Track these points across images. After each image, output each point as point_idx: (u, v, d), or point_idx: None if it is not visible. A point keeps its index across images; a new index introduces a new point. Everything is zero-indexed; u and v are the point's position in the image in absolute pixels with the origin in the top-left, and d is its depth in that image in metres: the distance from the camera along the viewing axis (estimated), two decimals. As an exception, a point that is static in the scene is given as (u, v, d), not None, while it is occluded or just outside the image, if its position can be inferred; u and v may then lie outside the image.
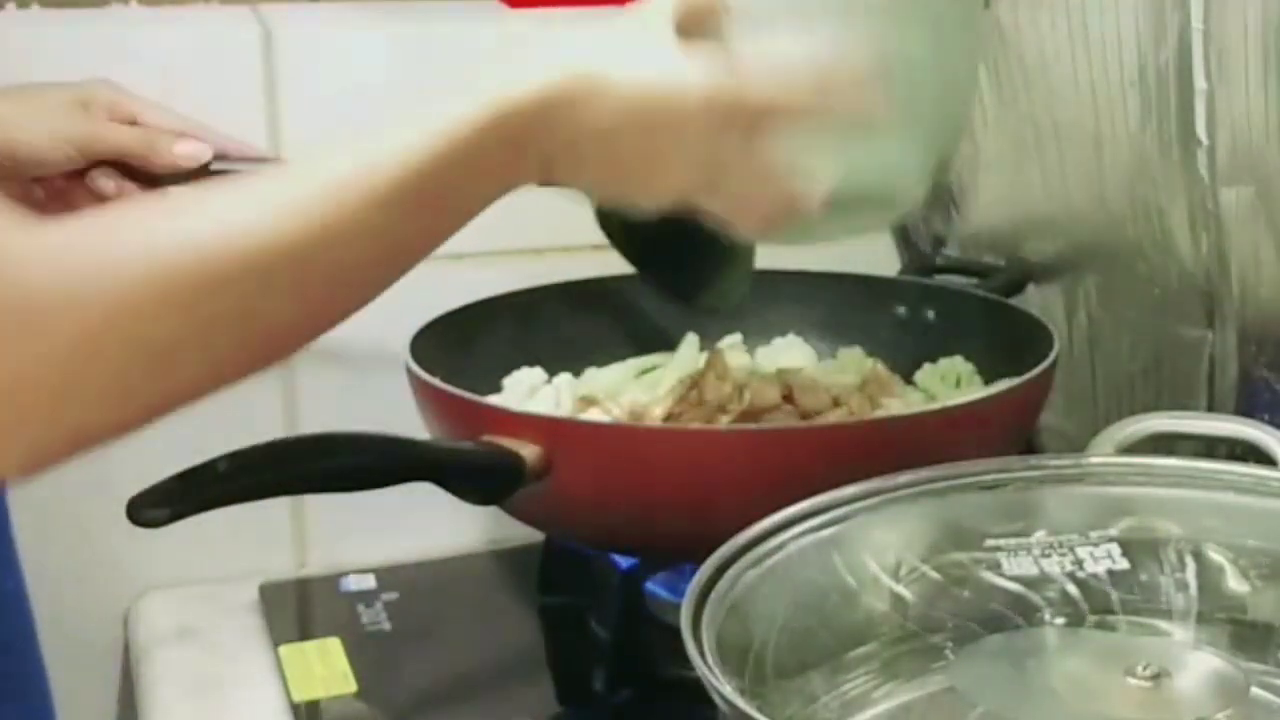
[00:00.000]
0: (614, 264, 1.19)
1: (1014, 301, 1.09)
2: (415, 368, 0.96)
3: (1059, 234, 1.09)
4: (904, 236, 1.24)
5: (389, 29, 1.14)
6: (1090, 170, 1.03)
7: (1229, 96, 0.92)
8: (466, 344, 1.04)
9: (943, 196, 1.17)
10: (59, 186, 0.90)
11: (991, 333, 1.07)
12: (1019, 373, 0.97)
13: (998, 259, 1.15)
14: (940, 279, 1.16)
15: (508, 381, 1.06)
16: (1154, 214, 1.00)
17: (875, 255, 1.23)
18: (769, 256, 1.19)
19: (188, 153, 0.90)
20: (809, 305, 1.14)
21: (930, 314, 1.12)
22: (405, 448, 0.85)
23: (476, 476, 0.88)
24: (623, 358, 1.10)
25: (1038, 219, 1.10)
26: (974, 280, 1.13)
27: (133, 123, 0.91)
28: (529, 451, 0.87)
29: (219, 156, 0.92)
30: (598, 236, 1.20)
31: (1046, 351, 0.97)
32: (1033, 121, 1.07)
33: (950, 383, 1.07)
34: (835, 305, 1.14)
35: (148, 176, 0.91)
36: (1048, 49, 1.04)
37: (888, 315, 1.13)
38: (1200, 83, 0.94)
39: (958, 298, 1.12)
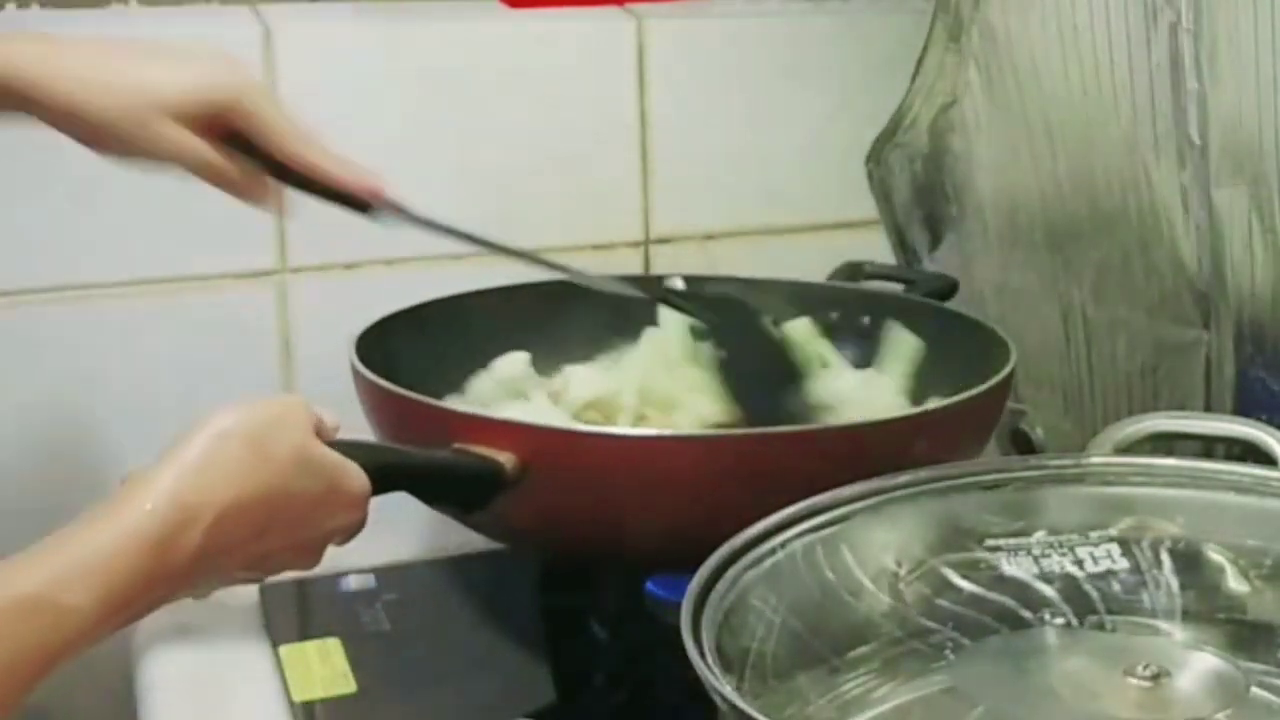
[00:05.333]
0: (620, 263, 1.20)
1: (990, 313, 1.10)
2: (367, 373, 0.95)
3: (1053, 233, 1.09)
4: (900, 239, 1.24)
5: (389, 29, 1.15)
6: (1083, 171, 1.03)
7: (1220, 97, 0.92)
8: (404, 348, 1.03)
9: (937, 198, 1.17)
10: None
11: (926, 333, 1.08)
12: (958, 371, 0.97)
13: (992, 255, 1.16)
14: (868, 284, 1.16)
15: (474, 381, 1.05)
16: (1148, 215, 1.00)
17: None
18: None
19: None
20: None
21: (865, 319, 1.12)
22: (379, 455, 0.83)
23: (454, 486, 0.87)
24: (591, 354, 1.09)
25: (1032, 219, 1.10)
26: (902, 287, 1.14)
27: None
28: (505, 459, 0.86)
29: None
30: (598, 236, 1.20)
31: (1005, 355, 0.98)
32: (1025, 123, 1.07)
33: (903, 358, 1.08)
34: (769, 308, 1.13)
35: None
36: (1038, 50, 1.04)
37: (820, 321, 1.13)
38: (1191, 83, 0.94)
39: (888, 301, 1.12)
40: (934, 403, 1.00)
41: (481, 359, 1.07)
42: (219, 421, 0.70)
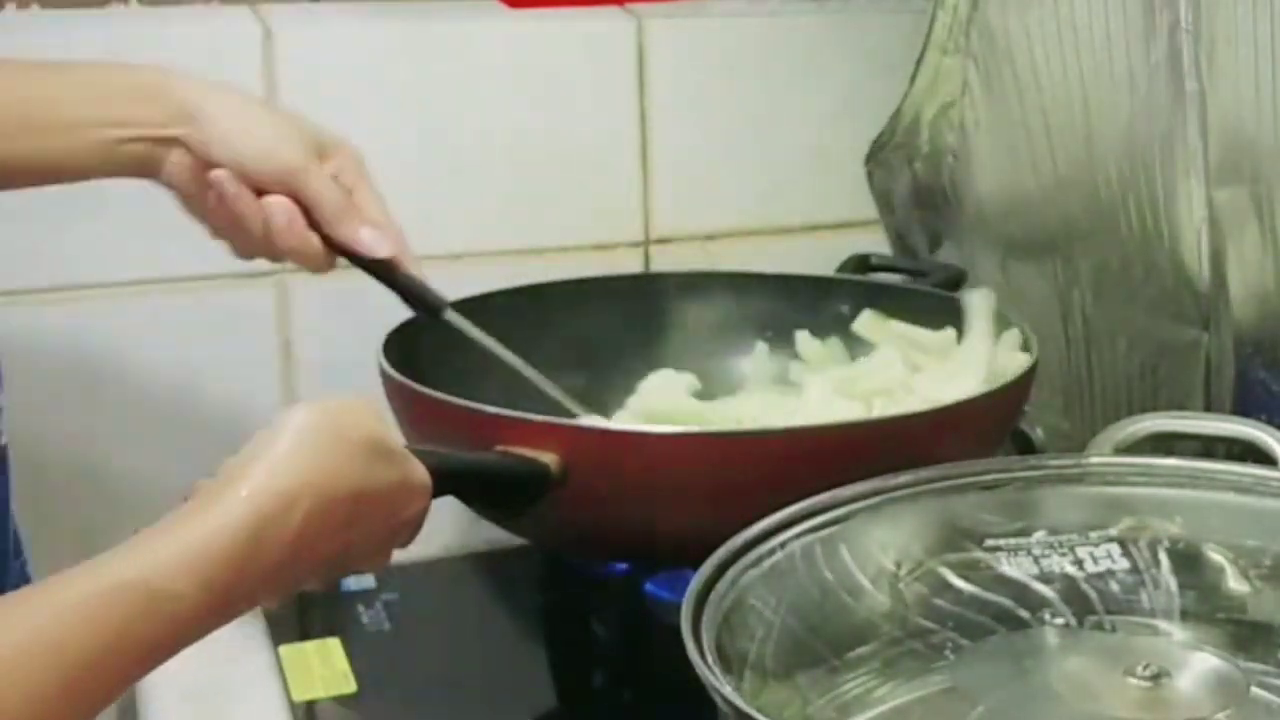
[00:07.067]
0: (620, 263, 1.20)
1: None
2: (400, 377, 0.95)
3: (1053, 234, 1.09)
4: (900, 239, 1.24)
5: (389, 29, 1.15)
6: (1083, 171, 1.03)
7: (1220, 97, 0.92)
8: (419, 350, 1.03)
9: (937, 198, 1.17)
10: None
11: (932, 326, 1.08)
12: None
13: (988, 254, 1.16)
14: (876, 276, 1.16)
15: None
16: (1148, 215, 1.00)
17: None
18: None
19: (369, 241, 0.94)
20: (749, 305, 1.13)
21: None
22: (429, 459, 0.81)
23: (502, 488, 0.87)
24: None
25: (1031, 219, 1.10)
26: (909, 278, 1.14)
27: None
28: (550, 459, 0.86)
29: (394, 261, 0.96)
30: (598, 236, 1.20)
31: (1027, 349, 0.98)
32: (1024, 123, 1.07)
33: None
34: (776, 305, 1.13)
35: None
36: (1037, 50, 1.04)
37: (829, 313, 1.13)
38: (1191, 83, 0.94)
39: (899, 293, 1.12)
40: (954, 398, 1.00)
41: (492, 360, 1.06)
42: (300, 416, 0.71)
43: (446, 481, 0.79)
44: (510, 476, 0.86)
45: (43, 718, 0.59)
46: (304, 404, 0.73)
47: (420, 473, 0.76)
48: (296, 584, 0.72)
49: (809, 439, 0.90)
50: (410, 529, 0.77)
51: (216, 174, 0.91)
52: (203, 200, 0.92)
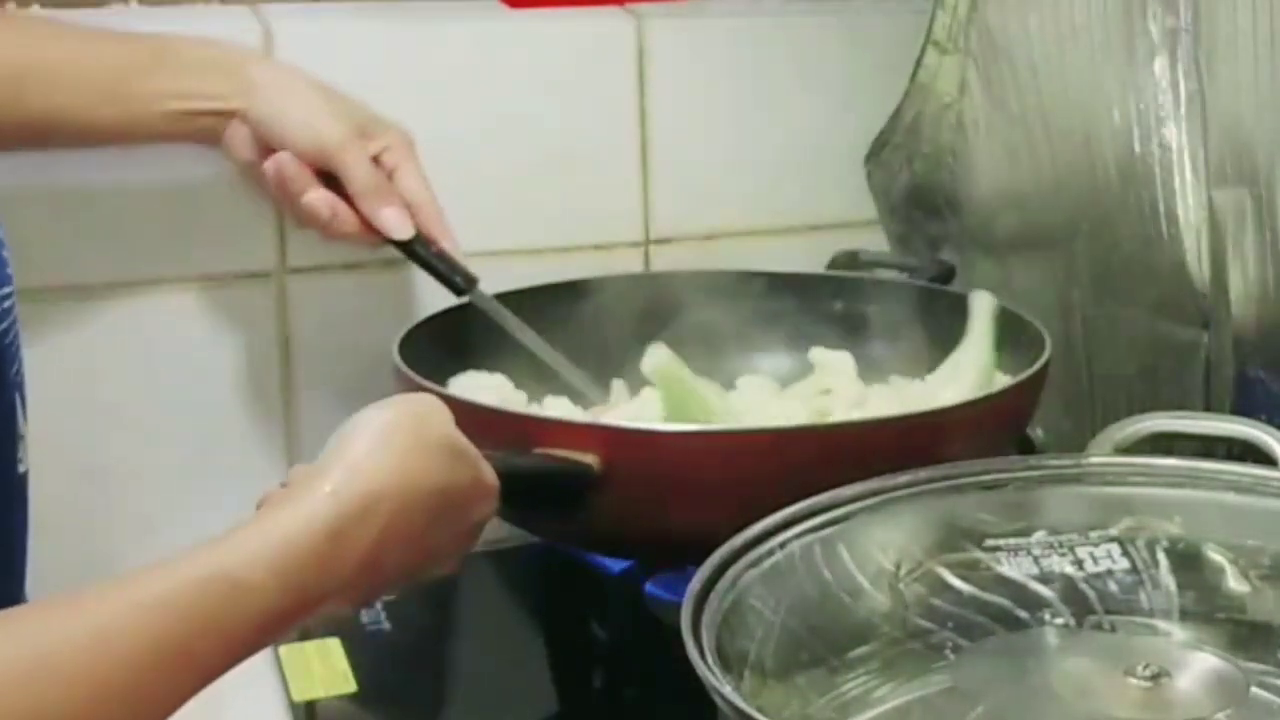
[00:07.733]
0: (620, 263, 1.20)
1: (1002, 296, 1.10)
2: (422, 380, 0.94)
3: (1053, 234, 1.09)
4: (899, 239, 1.24)
5: (389, 29, 1.14)
6: (1082, 172, 1.03)
7: (1220, 97, 0.92)
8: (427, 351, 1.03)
9: (936, 198, 1.17)
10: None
11: (926, 320, 1.08)
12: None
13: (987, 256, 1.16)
14: (869, 273, 1.16)
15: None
16: (1147, 215, 1.00)
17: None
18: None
19: (387, 222, 0.99)
20: (743, 305, 1.13)
21: (869, 308, 1.12)
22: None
23: (547, 490, 0.87)
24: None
25: (1030, 220, 1.10)
26: (903, 275, 1.14)
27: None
28: (591, 460, 0.86)
29: (418, 240, 1.00)
30: (598, 236, 1.20)
31: (1040, 347, 0.98)
32: (1023, 123, 1.07)
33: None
34: (769, 303, 1.13)
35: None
36: (1037, 50, 1.04)
37: (824, 311, 1.13)
38: (1191, 84, 0.94)
39: (894, 289, 1.12)
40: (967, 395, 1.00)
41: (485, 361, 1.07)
42: (378, 416, 0.71)
43: (504, 483, 0.79)
44: (557, 478, 0.86)
45: (132, 707, 0.61)
46: (381, 404, 0.73)
47: (490, 474, 0.76)
48: (378, 587, 0.71)
49: (810, 439, 0.91)
50: (479, 530, 0.77)
51: (279, 156, 0.96)
52: (259, 172, 0.98)
